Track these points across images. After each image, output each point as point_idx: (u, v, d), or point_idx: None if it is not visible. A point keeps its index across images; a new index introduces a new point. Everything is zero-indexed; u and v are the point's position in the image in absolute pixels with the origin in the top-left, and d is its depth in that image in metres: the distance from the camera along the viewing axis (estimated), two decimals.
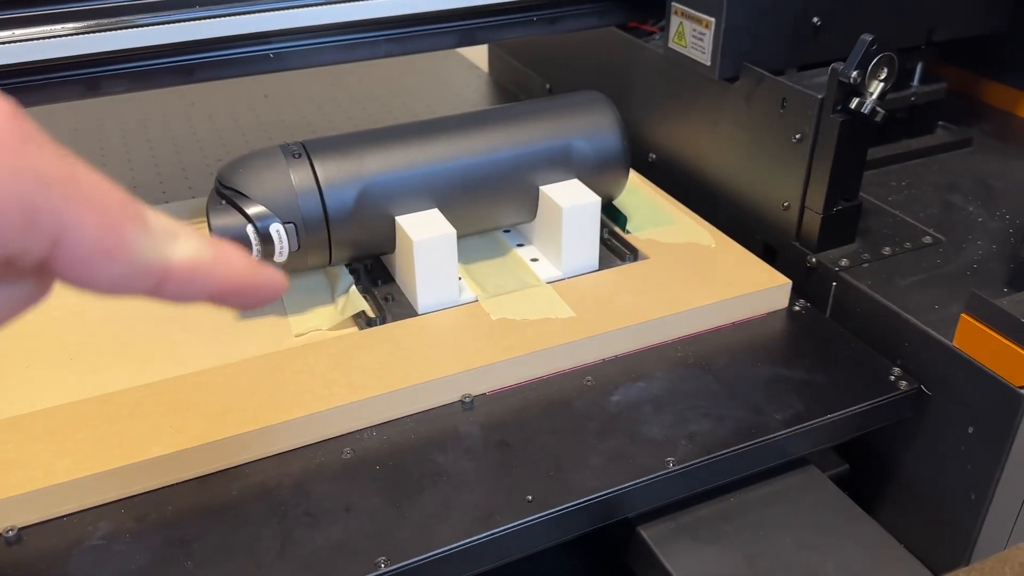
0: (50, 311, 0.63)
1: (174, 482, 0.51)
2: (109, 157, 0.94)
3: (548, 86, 1.04)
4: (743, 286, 0.65)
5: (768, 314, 0.65)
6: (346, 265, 0.67)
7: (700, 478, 0.53)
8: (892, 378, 0.59)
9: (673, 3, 0.74)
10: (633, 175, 0.81)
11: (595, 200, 0.65)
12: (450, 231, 0.61)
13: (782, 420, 0.55)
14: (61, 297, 0.62)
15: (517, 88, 1.12)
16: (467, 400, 0.57)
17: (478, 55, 1.20)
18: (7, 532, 0.47)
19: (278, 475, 0.51)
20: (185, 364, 0.58)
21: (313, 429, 0.53)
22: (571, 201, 0.64)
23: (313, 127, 1.00)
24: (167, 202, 0.83)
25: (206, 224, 0.58)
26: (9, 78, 0.62)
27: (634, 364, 0.60)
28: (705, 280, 0.65)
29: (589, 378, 0.59)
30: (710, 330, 0.64)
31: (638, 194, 0.77)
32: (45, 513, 0.48)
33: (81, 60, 0.63)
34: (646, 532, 0.53)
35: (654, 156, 0.85)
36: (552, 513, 0.49)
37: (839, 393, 0.57)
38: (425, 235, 0.60)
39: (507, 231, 0.72)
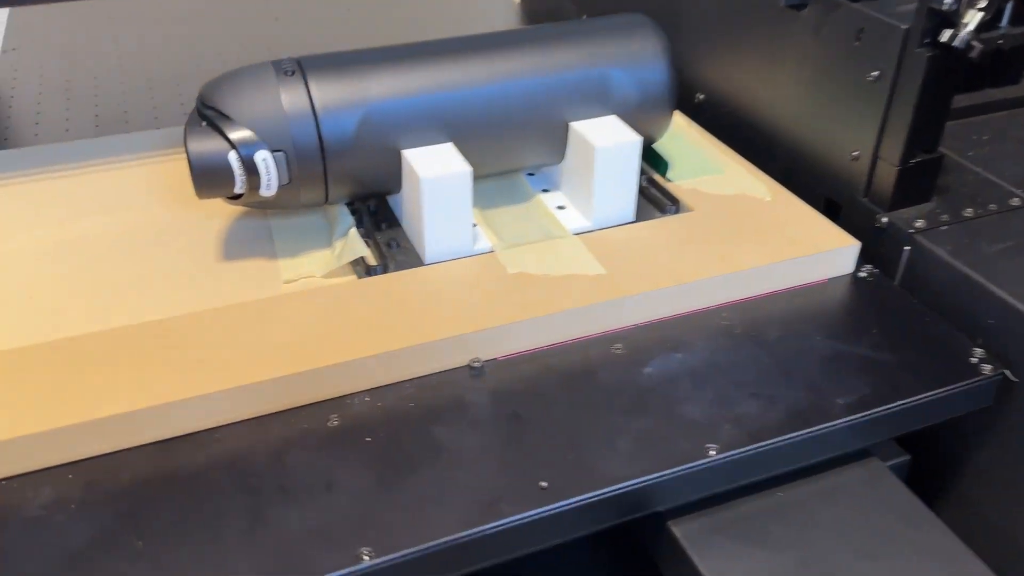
0: (11, 241, 0.56)
1: (131, 446, 0.44)
2: (101, 81, 0.86)
3: (584, 17, 0.94)
4: (802, 246, 0.56)
5: (829, 280, 0.57)
6: (347, 204, 0.59)
7: (745, 470, 0.45)
8: (974, 360, 0.50)
9: None
10: (677, 116, 0.72)
11: (635, 140, 0.56)
12: (465, 169, 0.53)
13: (844, 405, 0.47)
14: (26, 227, 0.54)
15: (550, 19, 1.02)
16: (476, 365, 0.49)
17: None
18: None
19: (252, 442, 0.44)
20: (157, 308, 0.50)
21: (296, 391, 0.46)
22: (607, 140, 0.56)
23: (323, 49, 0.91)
24: (158, 128, 0.75)
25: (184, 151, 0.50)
26: None
27: (671, 331, 0.52)
28: (758, 238, 0.57)
29: (618, 346, 0.51)
30: (761, 296, 0.55)
31: (682, 138, 0.68)
32: None
33: None
34: (678, 529, 0.45)
35: (702, 96, 0.76)
36: (569, 504, 0.41)
37: (911, 375, 0.49)
38: (436, 172, 0.52)
39: (531, 174, 0.64)
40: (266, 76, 0.52)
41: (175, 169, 0.64)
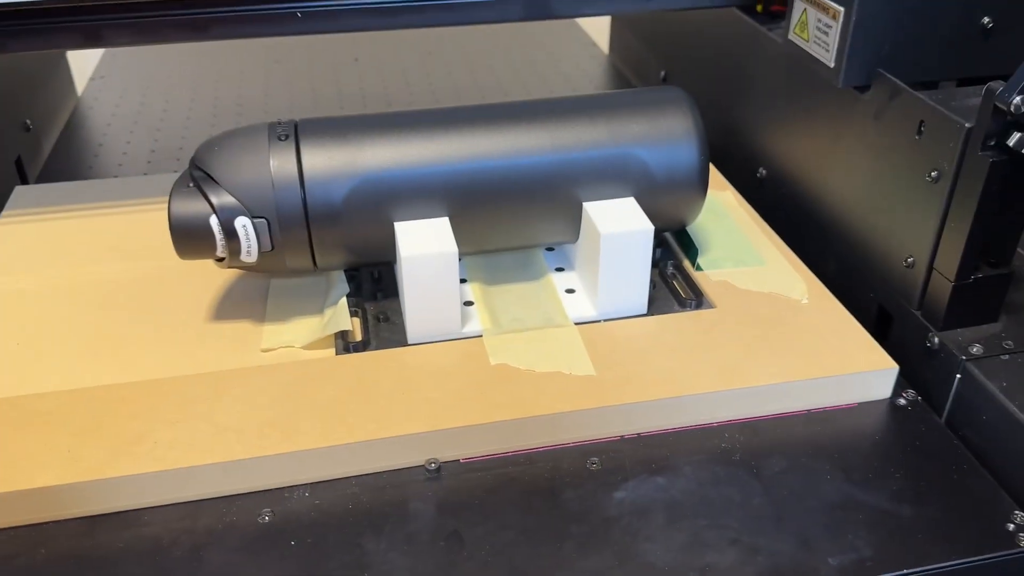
0: (20, 280, 0.57)
1: (59, 518, 0.43)
2: (170, 112, 0.88)
3: (663, 73, 0.89)
4: (830, 364, 0.49)
5: (860, 405, 0.50)
6: (348, 270, 0.57)
7: None
8: (1011, 527, 0.42)
9: None
10: (730, 195, 0.66)
11: (646, 228, 0.51)
12: (450, 250, 0.49)
13: (836, 568, 0.40)
14: (42, 266, 0.54)
15: (633, 72, 0.98)
16: (432, 466, 0.45)
17: (599, 30, 1.06)
18: None
19: (178, 530, 0.42)
20: (124, 368, 0.49)
21: (230, 479, 0.44)
22: (614, 227, 0.51)
23: (391, 97, 0.90)
24: None
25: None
26: (5, 20, 0.56)
27: (659, 450, 0.47)
28: (782, 347, 0.50)
29: (595, 460, 0.46)
30: (773, 416, 0.49)
31: (727, 220, 0.62)
32: None
33: (81, 7, 0.55)
34: None
35: (764, 172, 0.69)
36: None
37: (928, 538, 0.41)
38: (418, 251, 0.49)
39: (550, 248, 0.60)
40: (259, 140, 0.50)
41: None
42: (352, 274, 0.57)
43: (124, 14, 0.56)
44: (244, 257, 0.50)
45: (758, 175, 0.70)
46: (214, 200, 0.49)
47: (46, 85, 0.85)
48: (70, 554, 0.41)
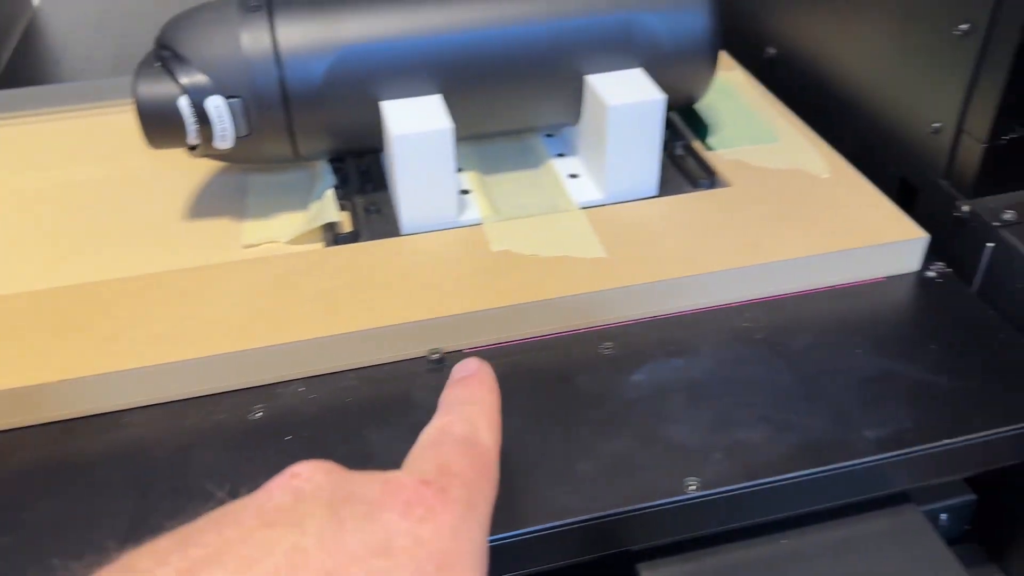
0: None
1: (33, 423, 0.39)
2: (135, 16, 0.82)
3: None
4: (855, 236, 0.46)
5: (888, 279, 0.47)
6: (335, 162, 0.53)
7: (734, 511, 0.36)
8: None
9: None
10: (739, 74, 0.62)
11: (658, 98, 0.47)
12: (445, 126, 0.45)
13: (875, 440, 0.37)
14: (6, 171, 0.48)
15: None
16: (435, 356, 0.42)
17: None
18: None
19: (162, 430, 0.39)
20: (98, 267, 0.46)
21: (217, 374, 0.40)
22: (623, 97, 0.47)
23: None
24: None
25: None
26: None
27: (677, 332, 0.44)
28: (803, 222, 0.47)
29: (608, 345, 0.43)
30: (797, 294, 0.46)
31: (737, 99, 0.58)
32: None
33: None
34: (648, 574, 0.37)
35: (773, 51, 0.65)
36: (510, 537, 0.34)
37: (971, 407, 0.39)
38: (411, 128, 0.45)
39: (550, 135, 0.56)
40: (228, 12, 0.46)
41: None
42: (338, 166, 0.53)
43: None
44: (218, 143, 0.46)
45: (766, 54, 0.65)
46: (183, 80, 0.44)
47: None
48: (47, 459, 0.38)
